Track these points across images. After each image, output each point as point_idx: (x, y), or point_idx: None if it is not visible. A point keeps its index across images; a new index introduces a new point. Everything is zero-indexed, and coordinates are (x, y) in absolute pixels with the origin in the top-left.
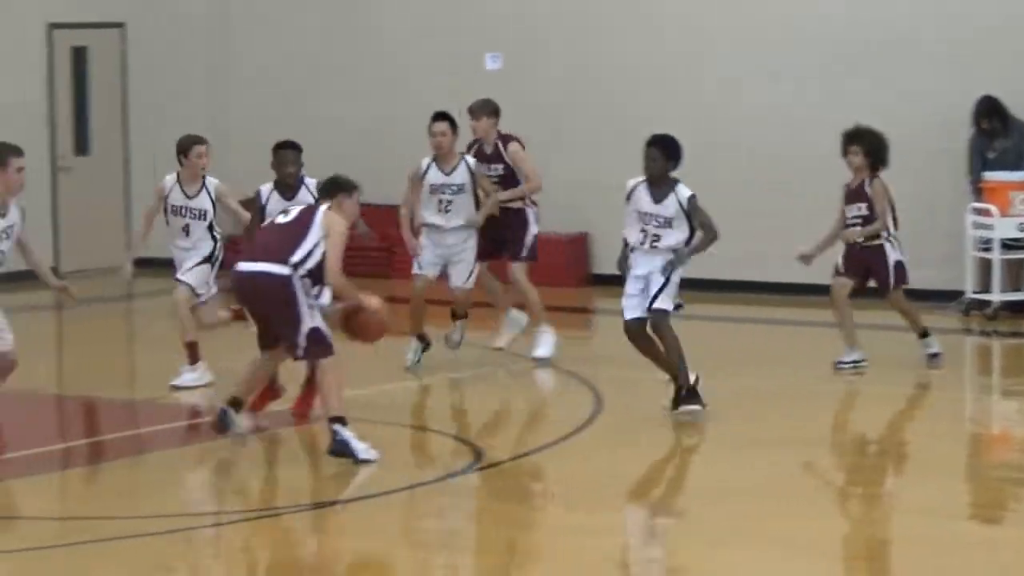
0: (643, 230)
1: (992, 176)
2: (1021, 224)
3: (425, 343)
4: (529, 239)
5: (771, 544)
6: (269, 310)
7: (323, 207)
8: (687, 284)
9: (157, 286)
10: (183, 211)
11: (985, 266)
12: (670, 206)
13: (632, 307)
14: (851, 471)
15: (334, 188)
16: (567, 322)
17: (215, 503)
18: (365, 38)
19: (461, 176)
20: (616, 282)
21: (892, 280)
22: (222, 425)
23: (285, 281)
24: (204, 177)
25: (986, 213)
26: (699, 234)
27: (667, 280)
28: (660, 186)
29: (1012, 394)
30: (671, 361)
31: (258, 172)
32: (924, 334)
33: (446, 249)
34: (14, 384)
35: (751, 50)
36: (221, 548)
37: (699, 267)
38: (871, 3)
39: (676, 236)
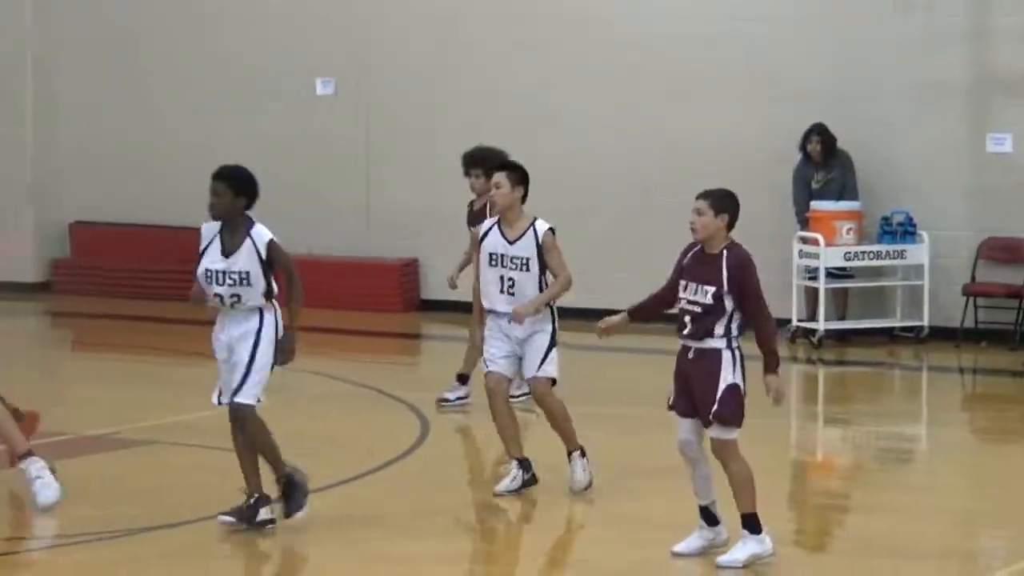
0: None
1: (818, 206)
2: (847, 253)
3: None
4: None
5: None
6: None
7: None
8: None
9: None
10: None
11: (811, 295)
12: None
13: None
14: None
15: None
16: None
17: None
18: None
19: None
20: (445, 308)
21: None
22: None
23: None
24: None
25: (812, 242)
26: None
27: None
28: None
29: (836, 422)
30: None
31: None
32: (462, 378)
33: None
34: None
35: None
36: None
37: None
38: (705, 35)
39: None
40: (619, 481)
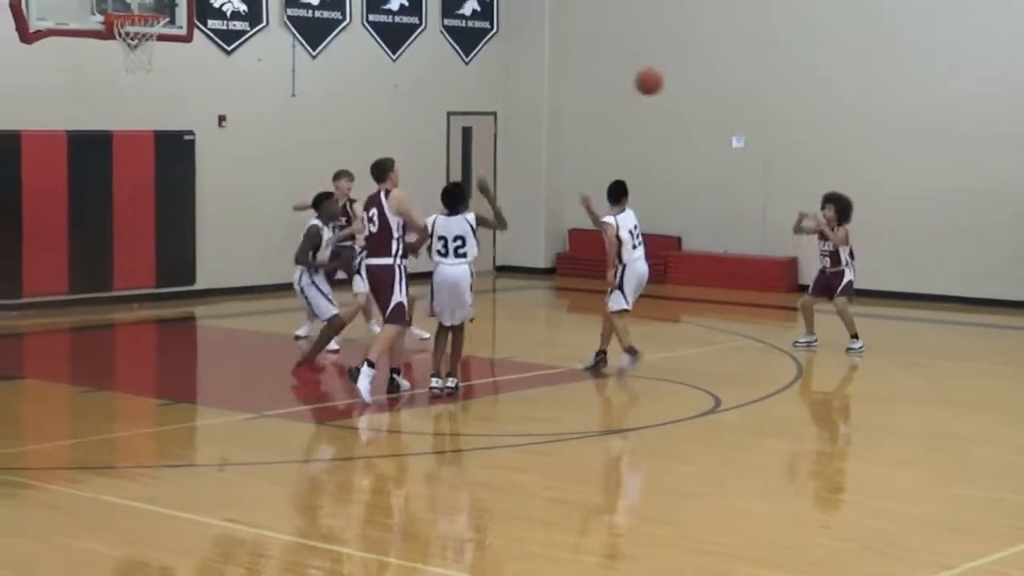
0: None
1: None
2: None
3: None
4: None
5: None
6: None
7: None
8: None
9: (518, 284)
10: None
11: None
12: None
13: None
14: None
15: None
16: (781, 315)
17: (537, 428)
18: (657, 120)
19: None
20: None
21: (840, 290)
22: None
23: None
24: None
25: None
26: None
27: None
28: None
29: None
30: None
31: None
32: (855, 336)
33: None
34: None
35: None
36: (544, 458)
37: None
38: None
39: None
40: None
